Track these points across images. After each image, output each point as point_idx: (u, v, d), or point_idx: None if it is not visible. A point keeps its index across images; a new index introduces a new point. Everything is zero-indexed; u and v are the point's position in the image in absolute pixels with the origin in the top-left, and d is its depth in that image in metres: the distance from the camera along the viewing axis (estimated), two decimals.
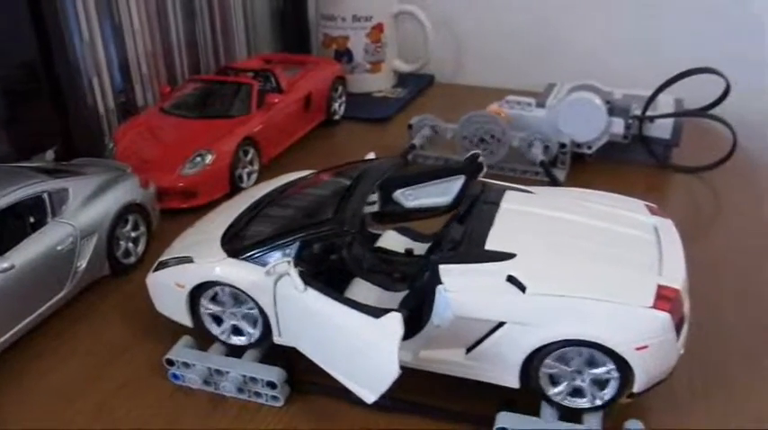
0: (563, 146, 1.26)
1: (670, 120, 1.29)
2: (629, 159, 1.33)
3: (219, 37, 1.64)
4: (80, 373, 0.84)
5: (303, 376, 0.78)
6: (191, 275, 0.80)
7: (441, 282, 0.70)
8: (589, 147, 1.29)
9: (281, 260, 0.74)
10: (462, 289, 0.70)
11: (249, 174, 1.27)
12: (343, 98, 1.59)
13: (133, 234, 1.03)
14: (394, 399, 0.74)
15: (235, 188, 1.22)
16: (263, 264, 0.75)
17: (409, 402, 0.76)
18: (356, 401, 0.72)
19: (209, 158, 1.19)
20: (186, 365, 0.80)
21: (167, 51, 1.49)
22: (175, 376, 0.81)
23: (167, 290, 0.82)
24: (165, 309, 0.85)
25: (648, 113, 1.28)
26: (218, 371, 0.79)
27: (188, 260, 0.81)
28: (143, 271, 0.90)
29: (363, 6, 1.66)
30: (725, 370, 0.82)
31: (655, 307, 0.67)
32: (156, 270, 0.84)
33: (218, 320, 0.82)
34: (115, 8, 1.34)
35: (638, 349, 0.67)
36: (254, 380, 0.77)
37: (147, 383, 0.82)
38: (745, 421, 0.76)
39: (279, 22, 1.86)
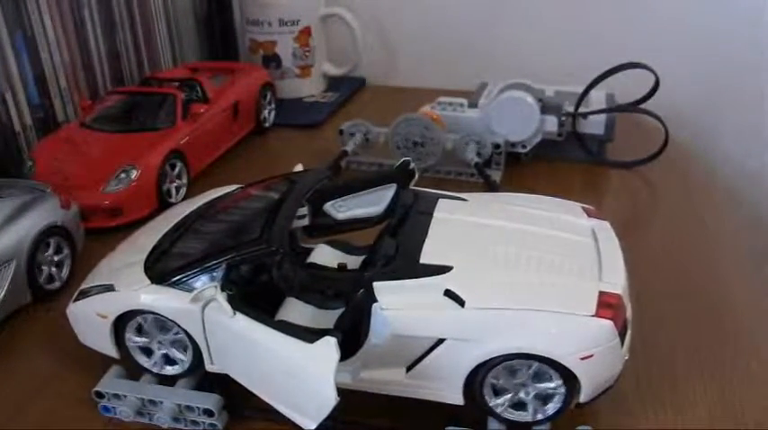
0: (497, 146, 1.25)
1: (603, 116, 1.28)
2: (565, 157, 1.32)
3: (142, 46, 1.59)
4: (4, 410, 0.79)
5: (242, 401, 0.75)
6: (113, 305, 0.76)
7: (376, 300, 0.68)
8: (524, 147, 1.28)
9: (207, 285, 0.70)
10: (399, 306, 0.67)
11: (177, 189, 1.23)
12: (273, 105, 1.56)
13: (56, 258, 0.99)
14: (337, 421, 0.71)
15: (163, 203, 1.18)
16: (190, 289, 0.72)
17: (353, 423, 0.73)
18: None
19: (134, 174, 1.14)
20: (117, 397, 0.76)
21: (87, 63, 1.43)
22: (106, 409, 0.77)
23: (89, 321, 0.78)
24: (89, 341, 0.81)
25: (581, 110, 1.28)
26: (152, 402, 0.75)
27: (110, 288, 0.77)
28: (69, 295, 0.84)
29: (289, 10, 1.62)
30: (670, 366, 0.82)
31: (597, 315, 0.65)
32: (77, 299, 0.80)
33: (147, 352, 0.78)
34: (26, 19, 1.28)
35: (582, 359, 0.65)
36: (189, 408, 0.74)
37: (77, 418, 0.77)
38: (694, 418, 0.75)
39: (204, 28, 1.81)
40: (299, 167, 0.91)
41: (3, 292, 0.89)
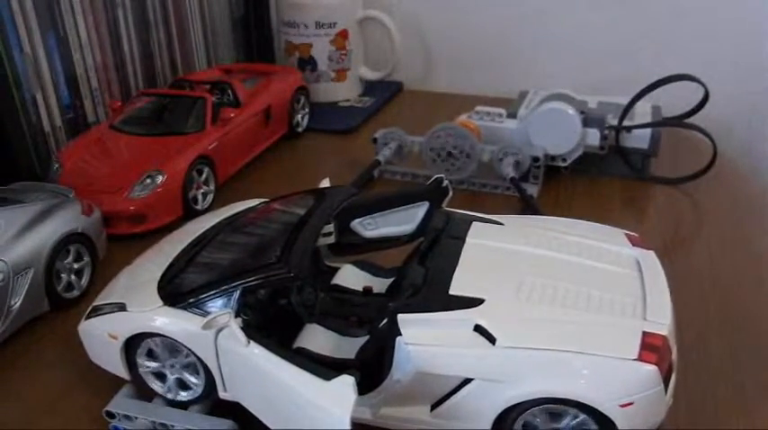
0: (536, 159, 1.20)
1: (648, 130, 1.23)
2: (606, 172, 1.27)
3: (176, 47, 1.56)
4: (12, 424, 0.77)
5: (256, 428, 0.71)
6: (124, 325, 0.73)
7: (400, 334, 0.64)
8: (564, 160, 1.23)
9: (221, 311, 0.67)
10: (424, 341, 0.63)
11: (204, 195, 1.20)
12: (307, 109, 1.52)
13: (76, 265, 0.96)
14: None
15: (188, 210, 1.15)
16: (204, 313, 0.68)
17: None
18: None
19: (159, 179, 1.11)
20: (128, 418, 0.74)
21: (120, 63, 1.41)
22: (117, 429, 0.74)
23: (100, 340, 0.75)
24: (100, 360, 0.78)
25: (625, 123, 1.23)
26: (163, 425, 0.73)
27: (122, 307, 0.74)
28: (88, 304, 0.82)
29: (326, 12, 1.59)
30: (713, 402, 0.77)
31: (640, 358, 0.60)
32: (89, 317, 0.77)
33: (160, 377, 0.75)
34: (59, 19, 1.26)
35: (622, 406, 0.60)
36: None
37: None
38: None
39: (240, 29, 1.78)
40: (325, 182, 0.88)
41: (19, 300, 0.87)
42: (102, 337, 0.74)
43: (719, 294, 0.95)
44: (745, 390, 0.79)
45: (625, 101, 1.24)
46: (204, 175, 1.19)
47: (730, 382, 0.80)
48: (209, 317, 0.66)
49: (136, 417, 0.73)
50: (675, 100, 1.24)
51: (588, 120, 1.22)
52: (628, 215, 1.15)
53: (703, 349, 0.85)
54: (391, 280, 0.82)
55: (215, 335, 0.67)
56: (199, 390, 0.73)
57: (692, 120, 1.22)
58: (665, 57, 1.41)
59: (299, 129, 1.50)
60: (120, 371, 0.76)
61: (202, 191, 1.19)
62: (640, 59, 1.54)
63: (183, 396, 0.75)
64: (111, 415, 0.74)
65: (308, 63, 1.64)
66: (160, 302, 0.72)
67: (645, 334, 0.62)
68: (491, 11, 1.68)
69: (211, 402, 0.75)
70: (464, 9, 1.70)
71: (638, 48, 1.58)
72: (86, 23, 1.32)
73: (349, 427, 0.58)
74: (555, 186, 1.24)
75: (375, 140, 1.28)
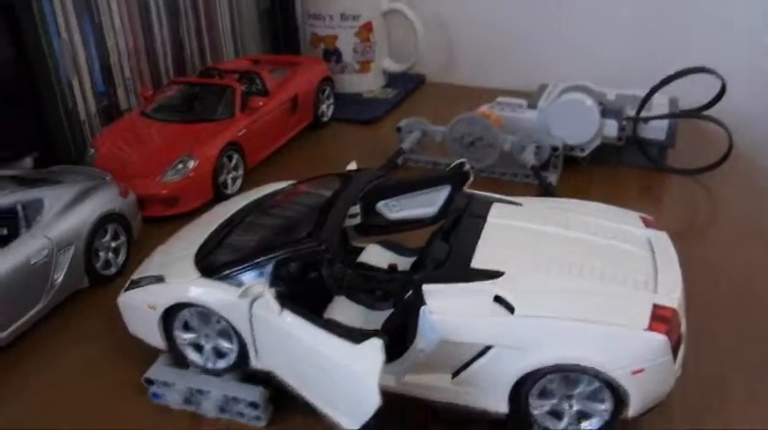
0: (555, 149, 1.22)
1: (665, 122, 1.25)
2: (624, 162, 1.29)
3: (205, 36, 1.60)
4: (56, 391, 0.81)
5: (288, 394, 0.75)
6: (162, 296, 0.76)
7: (424, 303, 0.67)
8: (582, 150, 1.26)
9: (255, 281, 0.70)
10: (447, 310, 0.67)
11: (234, 180, 1.24)
12: (332, 99, 1.55)
13: (113, 244, 1.00)
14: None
15: (219, 194, 1.19)
16: (239, 284, 0.72)
17: None
18: None
19: (191, 164, 1.15)
20: (166, 384, 0.77)
21: (151, 52, 1.45)
22: (155, 395, 0.78)
23: (139, 311, 0.78)
24: (138, 331, 0.81)
25: (643, 114, 1.25)
26: (199, 391, 0.76)
27: (160, 279, 0.77)
28: (124, 281, 0.85)
29: (351, 5, 1.62)
30: (723, 384, 0.79)
31: (650, 328, 0.63)
32: (128, 289, 0.81)
33: (198, 347, 0.79)
34: (94, 5, 1.30)
35: (633, 373, 0.63)
36: (235, 399, 0.75)
37: (127, 401, 0.79)
38: None
39: (267, 21, 1.81)
40: (352, 166, 0.91)
41: (62, 276, 0.91)
42: (141, 309, 0.78)
43: (732, 283, 0.96)
44: (754, 371, 0.81)
45: (643, 93, 1.25)
46: (234, 161, 1.23)
47: (739, 362, 0.82)
48: (245, 286, 0.70)
49: (173, 384, 0.76)
50: (692, 92, 1.24)
51: (606, 111, 1.24)
52: (644, 203, 1.16)
53: (714, 331, 0.86)
54: (414, 258, 0.85)
55: (250, 303, 0.71)
56: (233, 357, 0.77)
57: (709, 112, 1.24)
58: (684, 49, 1.42)
59: (324, 119, 1.53)
60: (158, 341, 0.79)
61: (232, 176, 1.23)
62: (659, 52, 1.55)
63: (220, 364, 0.78)
64: (150, 381, 0.78)
65: (333, 54, 1.66)
66: (197, 274, 0.76)
67: (655, 306, 0.65)
68: (513, 5, 1.70)
69: (243, 373, 0.78)
70: (486, 3, 1.72)
71: (657, 40, 1.59)
72: (120, 9, 1.35)
73: (377, 386, 0.61)
74: (573, 175, 1.26)
75: (399, 129, 1.31)
